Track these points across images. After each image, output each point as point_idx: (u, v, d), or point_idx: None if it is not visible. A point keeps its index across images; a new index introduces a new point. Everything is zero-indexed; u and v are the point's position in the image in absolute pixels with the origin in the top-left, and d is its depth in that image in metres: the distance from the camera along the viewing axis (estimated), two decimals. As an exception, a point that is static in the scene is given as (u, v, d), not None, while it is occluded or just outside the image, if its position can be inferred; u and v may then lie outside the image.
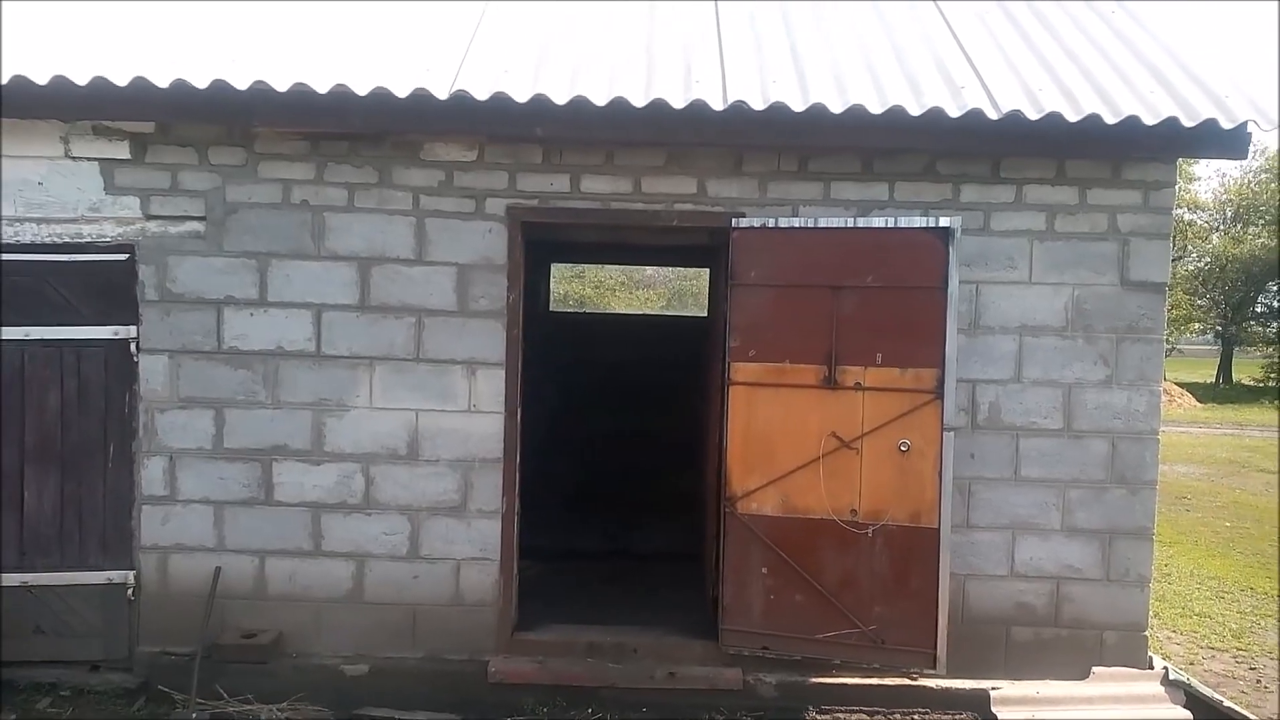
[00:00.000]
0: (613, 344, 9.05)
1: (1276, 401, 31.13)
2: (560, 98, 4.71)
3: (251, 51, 5.02)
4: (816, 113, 4.74)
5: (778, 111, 4.74)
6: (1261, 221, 39.52)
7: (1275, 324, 40.04)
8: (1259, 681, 6.21)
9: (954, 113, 4.73)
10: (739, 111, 4.74)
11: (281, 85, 4.69)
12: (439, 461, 5.25)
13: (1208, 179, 49.30)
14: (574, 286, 32.11)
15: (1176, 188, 5.25)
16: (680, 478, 7.67)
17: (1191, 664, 6.48)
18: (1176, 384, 34.42)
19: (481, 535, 5.27)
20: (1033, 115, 4.73)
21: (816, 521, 5.07)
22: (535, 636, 5.40)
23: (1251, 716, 5.16)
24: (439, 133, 5.06)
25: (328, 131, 5.03)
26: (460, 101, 4.72)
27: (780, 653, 5.18)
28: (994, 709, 5.05)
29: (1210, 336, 45.68)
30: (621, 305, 32.80)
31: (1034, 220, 5.22)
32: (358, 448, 5.23)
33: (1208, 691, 5.23)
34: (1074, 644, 5.30)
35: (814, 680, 5.20)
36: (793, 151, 5.19)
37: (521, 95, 4.70)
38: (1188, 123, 4.70)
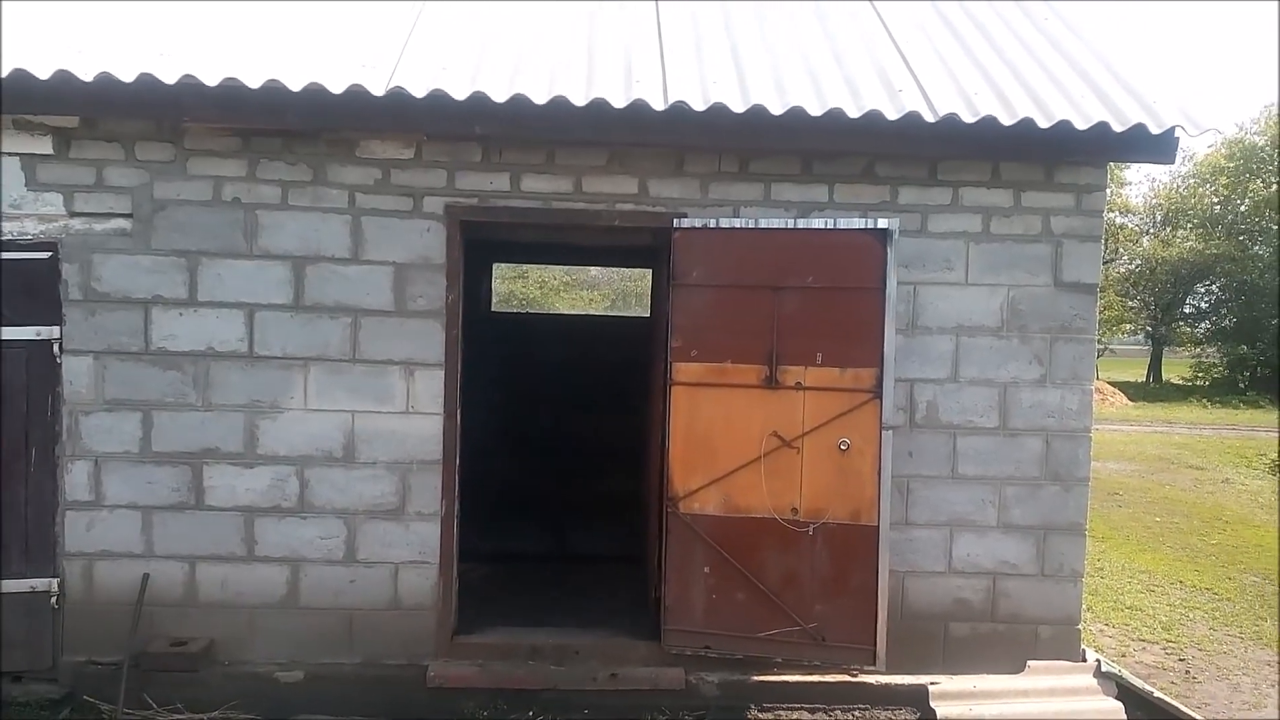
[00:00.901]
0: (555, 344, 9.01)
1: (1204, 400, 32.06)
2: (500, 96, 4.66)
3: (181, 45, 4.90)
4: (757, 114, 4.75)
5: (718, 112, 4.75)
6: (1189, 225, 40.73)
7: (1203, 324, 41.30)
8: (1188, 673, 6.38)
9: (892, 115, 4.78)
10: (680, 112, 4.74)
11: (212, 80, 4.58)
12: (376, 464, 5.16)
13: (1138, 184, 50.54)
14: (518, 286, 31.96)
15: (1108, 191, 5.36)
16: (623, 479, 7.65)
17: (1123, 656, 6.63)
18: (1109, 383, 35.31)
19: (420, 538, 5.19)
20: (968, 118, 4.80)
21: (758, 520, 5.09)
22: (476, 640, 5.34)
23: (1180, 706, 5.28)
24: (376, 130, 4.98)
25: (260, 128, 4.92)
26: (397, 98, 4.65)
27: (723, 652, 5.19)
28: (933, 704, 5.11)
29: (1141, 337, 46.91)
30: (566, 306, 32.71)
31: (970, 222, 5.30)
32: (292, 450, 5.12)
33: (1138, 683, 5.35)
34: (1010, 638, 5.39)
35: (756, 678, 5.21)
36: (734, 153, 5.20)
37: (460, 93, 4.65)
38: (1118, 127, 4.81)
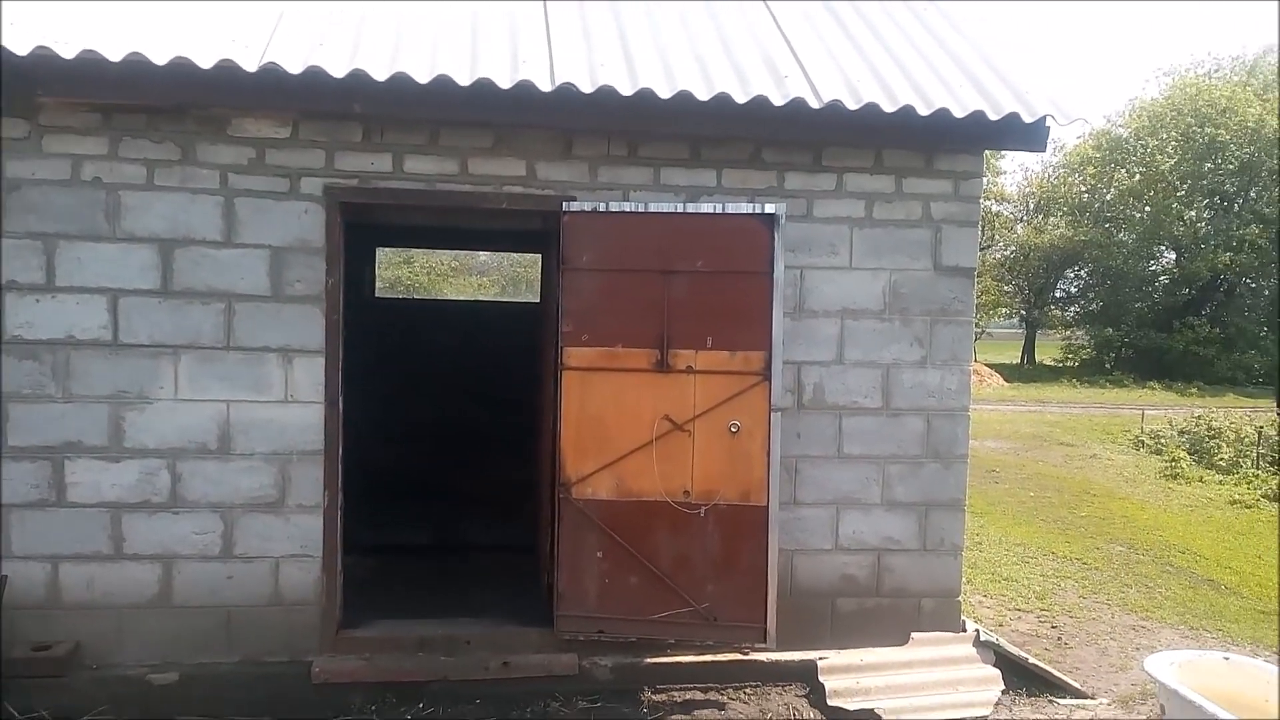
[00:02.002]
0: (441, 331, 8.84)
1: (1074, 380, 33.68)
2: (380, 74, 4.51)
3: (35, 15, 4.57)
4: (645, 97, 4.73)
5: (606, 95, 4.70)
6: (1060, 213, 42.64)
7: (1073, 308, 43.37)
8: (1060, 639, 6.68)
9: (778, 101, 4.82)
10: (567, 93, 4.68)
11: (68, 52, 4.30)
12: (254, 455, 4.96)
13: (1012, 173, 52.66)
14: (403, 272, 31.29)
15: (984, 178, 5.54)
16: (512, 466, 7.58)
17: (1001, 625, 6.91)
18: (986, 365, 36.78)
19: (302, 531, 5.02)
20: (852, 105, 4.88)
21: (650, 504, 5.10)
22: (363, 634, 5.20)
23: (1053, 670, 5.53)
24: (248, 108, 4.77)
25: (122, 104, 4.65)
26: (271, 75, 4.46)
27: (616, 635, 5.18)
28: (821, 678, 5.21)
29: (1016, 320, 49.00)
30: (454, 292, 32.20)
31: (854, 207, 5.40)
32: (163, 443, 4.88)
33: (1014, 650, 5.56)
34: (895, 612, 5.55)
35: (649, 661, 5.23)
36: (622, 136, 5.16)
37: (338, 70, 4.48)
38: (993, 116, 4.97)
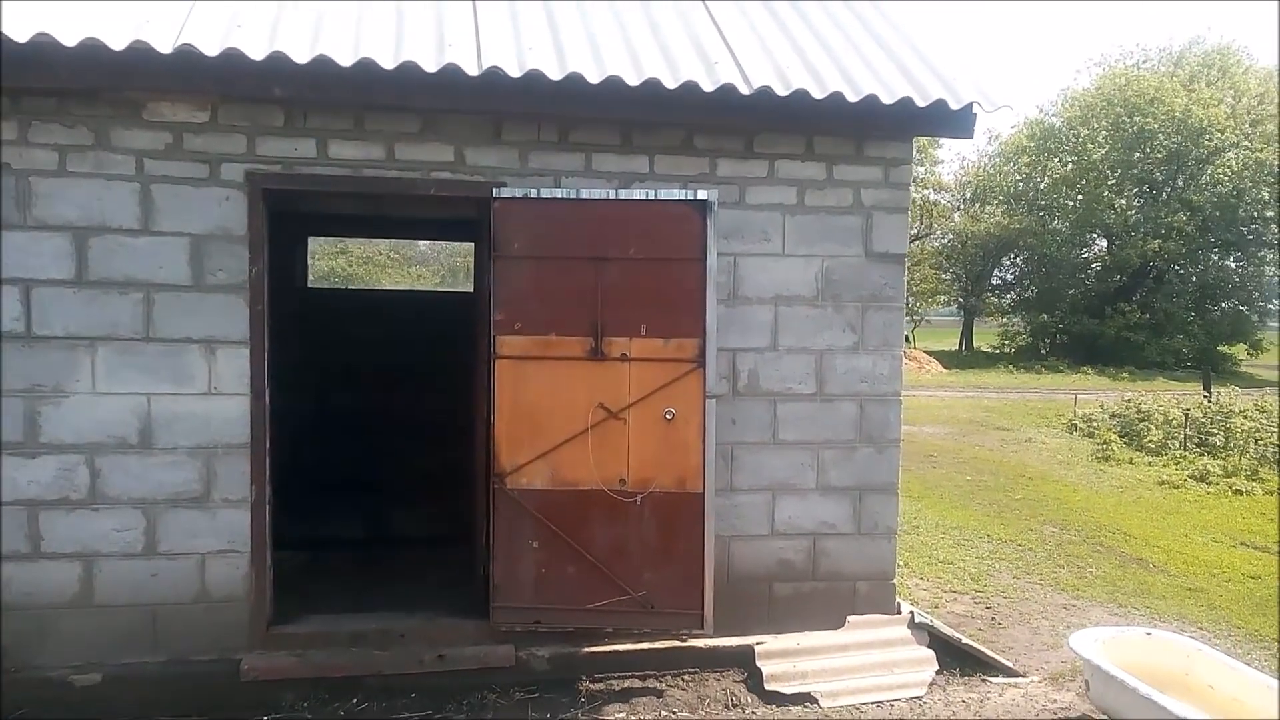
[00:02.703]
0: (374, 321, 8.68)
1: (1010, 366, 34.35)
2: (301, 56, 4.40)
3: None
4: (574, 82, 4.68)
5: (534, 79, 4.64)
6: (995, 201, 43.44)
7: (1009, 295, 44.22)
8: (994, 619, 6.80)
9: (708, 87, 4.81)
10: (494, 77, 4.61)
11: (-32, 32, 4.12)
12: (177, 449, 4.83)
13: (949, 162, 53.63)
14: (339, 263, 30.79)
15: (913, 165, 5.58)
16: (445, 457, 7.47)
17: (936, 607, 7.01)
18: (925, 352, 37.41)
19: (229, 526, 4.90)
20: (782, 91, 4.88)
21: (586, 493, 5.07)
22: (294, 629, 5.10)
23: (985, 650, 5.62)
24: (164, 91, 4.61)
25: (29, 86, 4.47)
26: (186, 56, 4.32)
27: (553, 625, 5.16)
28: (759, 663, 5.23)
29: (954, 308, 49.86)
30: (391, 282, 31.80)
31: (786, 194, 5.41)
32: (80, 437, 4.72)
33: (948, 631, 5.64)
34: (831, 595, 5.59)
35: (587, 650, 5.21)
36: (553, 122, 5.11)
37: (257, 52, 4.36)
38: (920, 103, 5.00)
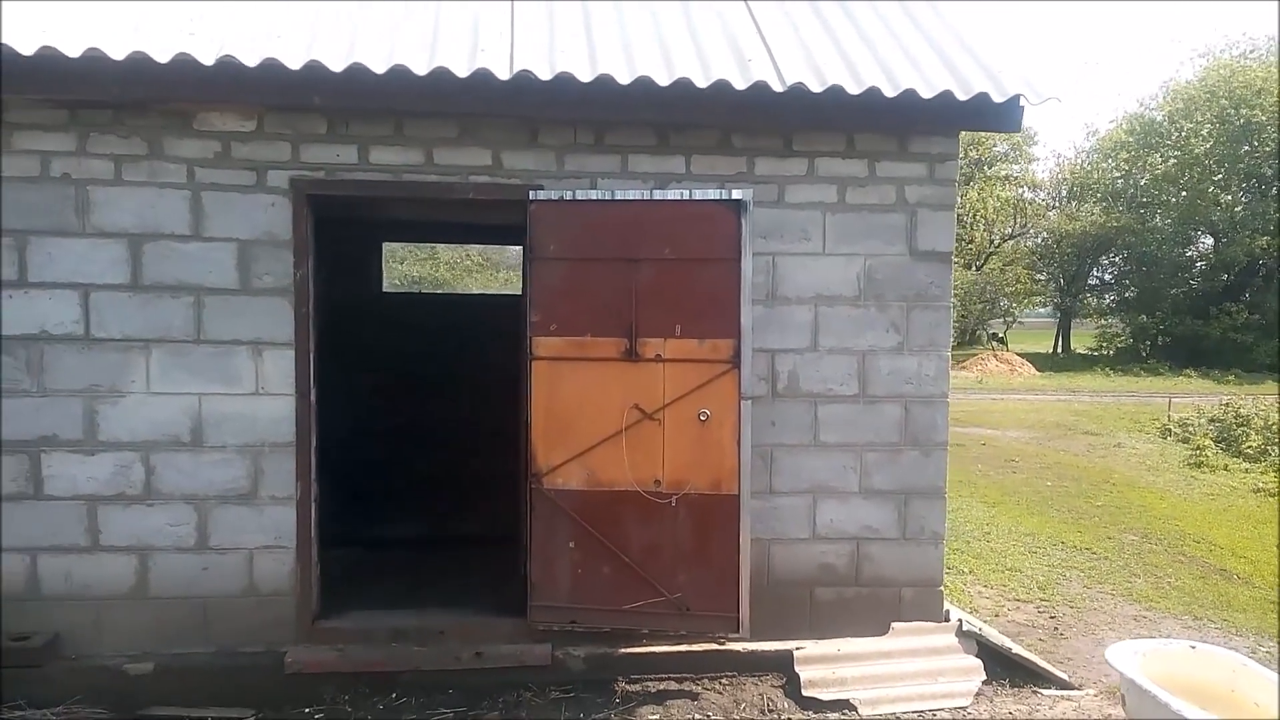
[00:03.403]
0: (446, 324, 8.83)
1: (1108, 368, 33.11)
2: (336, 65, 4.52)
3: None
4: (604, 83, 4.70)
5: (564, 82, 4.67)
6: (1093, 199, 41.94)
7: (1109, 296, 42.60)
8: (1056, 629, 6.56)
9: (740, 85, 4.76)
10: (525, 81, 4.66)
11: (27, 49, 4.35)
12: (226, 447, 5.00)
13: (1045, 159, 52.00)
14: (427, 269, 31.42)
15: (959, 160, 5.43)
16: (507, 458, 7.55)
17: (997, 615, 6.81)
18: (1018, 354, 36.34)
19: (275, 523, 5.05)
20: (816, 88, 4.81)
21: (621, 493, 5.07)
22: (337, 624, 5.23)
23: (1036, 660, 5.43)
24: (210, 101, 4.79)
25: (86, 100, 4.70)
26: (228, 68, 4.48)
27: (589, 625, 5.17)
28: (797, 668, 5.15)
29: (1050, 309, 48.28)
30: (478, 286, 32.30)
31: (826, 192, 5.32)
32: (135, 435, 4.93)
33: (997, 640, 5.46)
34: (874, 601, 5.47)
35: (623, 651, 5.21)
36: (588, 124, 5.13)
37: (294, 62, 4.50)
38: (962, 96, 4.87)
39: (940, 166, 5.37)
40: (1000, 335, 46.90)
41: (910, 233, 5.38)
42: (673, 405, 5.03)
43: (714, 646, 5.26)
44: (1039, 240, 42.88)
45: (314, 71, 4.52)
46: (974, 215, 48.27)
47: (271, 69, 4.49)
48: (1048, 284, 43.84)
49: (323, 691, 4.96)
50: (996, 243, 47.23)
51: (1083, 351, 41.96)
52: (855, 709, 4.96)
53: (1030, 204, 46.08)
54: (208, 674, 4.94)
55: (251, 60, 4.47)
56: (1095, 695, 5.26)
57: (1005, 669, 5.41)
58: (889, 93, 4.83)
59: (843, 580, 5.47)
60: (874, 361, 5.41)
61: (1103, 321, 42.25)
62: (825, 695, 5.01)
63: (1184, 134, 37.04)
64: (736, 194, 4.95)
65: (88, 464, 4.92)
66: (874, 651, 5.33)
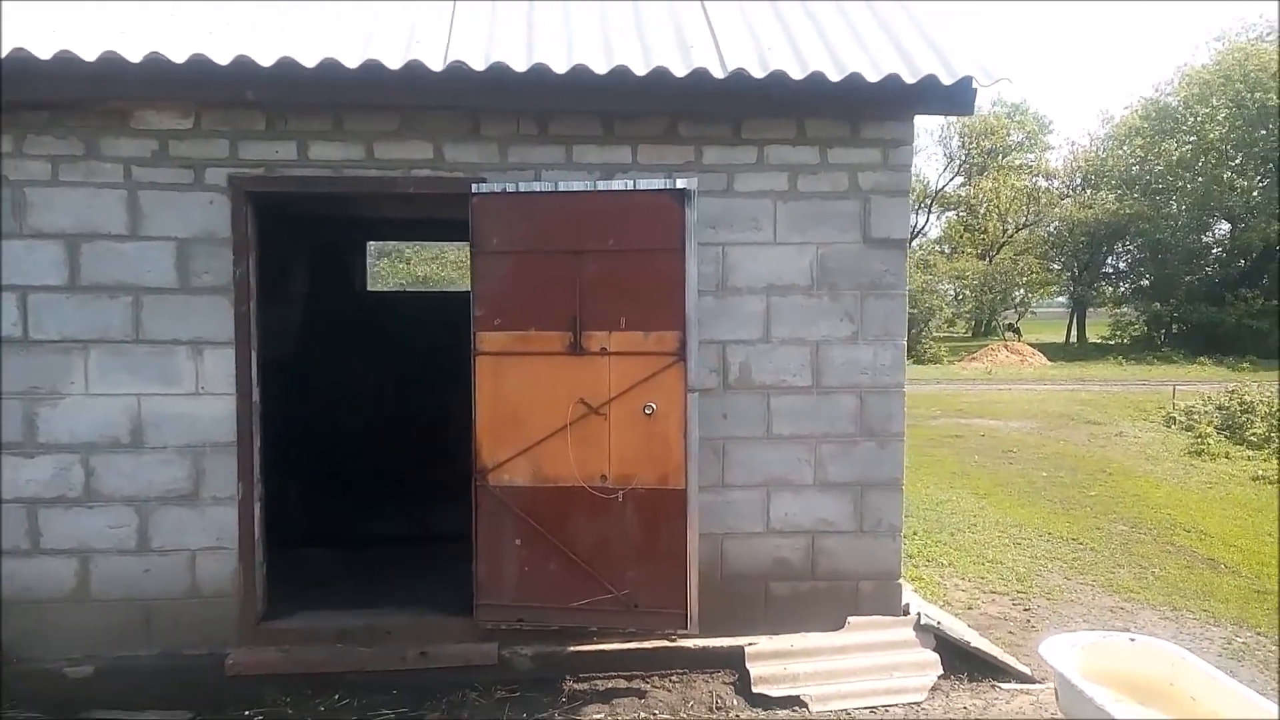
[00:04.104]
0: (428, 322, 8.77)
1: (1121, 358, 32.73)
2: (265, 59, 4.46)
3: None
4: (540, 73, 4.61)
5: (500, 72, 4.60)
6: (1107, 186, 41.47)
7: (1124, 284, 42.11)
8: (1028, 622, 6.44)
9: (680, 71, 4.67)
10: (459, 71, 4.58)
11: (-47, 51, 4.31)
12: (166, 448, 4.96)
13: (1059, 148, 51.46)
14: (434, 268, 31.39)
15: (914, 145, 5.31)
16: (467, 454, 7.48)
17: (970, 608, 6.69)
18: (1029, 344, 36.03)
19: (217, 523, 5.01)
20: (759, 74, 4.71)
21: (567, 489, 5.00)
22: (282, 625, 5.18)
23: (992, 650, 5.32)
24: (145, 100, 4.75)
25: (20, 100, 4.65)
26: (156, 65, 4.43)
27: (537, 624, 5.11)
28: (748, 664, 5.07)
29: (1065, 299, 47.80)
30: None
31: (776, 180, 5.22)
32: (75, 437, 4.90)
33: (956, 634, 5.35)
34: (831, 595, 5.38)
35: (572, 649, 5.14)
36: (531, 115, 5.05)
37: (223, 57, 4.44)
38: (909, 79, 4.76)
39: (894, 152, 5.25)
40: (1015, 326, 46.53)
41: (864, 220, 5.27)
42: (618, 399, 4.95)
43: (665, 643, 5.18)
44: (1051, 229, 42.42)
45: (244, 66, 4.46)
46: (988, 206, 47.96)
47: (200, 65, 4.43)
48: (1061, 273, 43.39)
49: (265, 693, 4.91)
50: (1010, 233, 46.85)
51: (1097, 341, 41.53)
52: (806, 705, 4.87)
53: (1044, 193, 45.68)
54: (150, 676, 4.90)
55: (179, 57, 4.41)
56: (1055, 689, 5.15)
57: (965, 663, 5.30)
58: (834, 77, 4.73)
59: (798, 574, 5.37)
60: (828, 352, 5.30)
61: (1117, 310, 41.76)
62: (775, 692, 4.92)
63: (1199, 119, 36.55)
64: (680, 183, 4.86)
65: (28, 466, 4.90)
66: (828, 647, 5.24)
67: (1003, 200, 47.02)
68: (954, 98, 4.92)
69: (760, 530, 5.34)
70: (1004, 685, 5.15)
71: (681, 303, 4.88)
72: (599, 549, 5.01)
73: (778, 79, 4.71)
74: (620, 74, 4.65)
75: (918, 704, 4.95)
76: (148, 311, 4.91)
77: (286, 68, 4.48)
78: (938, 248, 50.43)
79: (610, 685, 5.07)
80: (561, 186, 4.95)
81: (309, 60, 4.48)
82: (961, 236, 49.56)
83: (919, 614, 5.43)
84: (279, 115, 4.91)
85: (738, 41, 5.02)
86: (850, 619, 5.35)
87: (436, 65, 4.56)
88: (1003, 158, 49.74)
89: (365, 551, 6.80)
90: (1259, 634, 6.21)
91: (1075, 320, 44.80)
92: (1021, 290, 45.76)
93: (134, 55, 4.41)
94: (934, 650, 5.25)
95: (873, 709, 4.90)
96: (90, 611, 4.95)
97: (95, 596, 4.96)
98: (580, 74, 4.63)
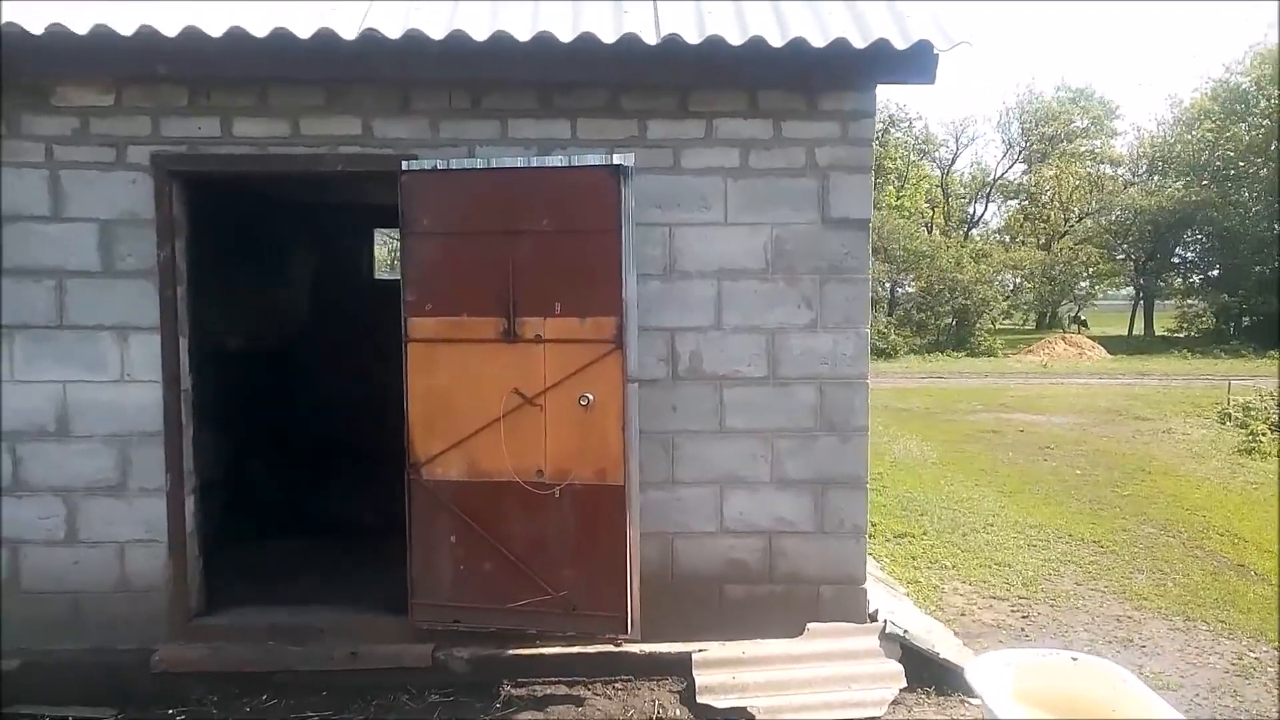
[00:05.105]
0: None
1: (1187, 351, 31.45)
2: (170, 29, 4.26)
3: None
4: (459, 40, 4.35)
5: (416, 41, 4.34)
6: (1174, 172, 39.95)
7: (1193, 276, 40.49)
8: (1022, 631, 6.03)
9: (609, 38, 4.37)
10: (373, 41, 4.34)
11: None
12: (93, 437, 4.81)
13: (1125, 133, 49.73)
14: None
15: (876, 118, 4.92)
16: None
17: (963, 614, 6.29)
18: (1089, 337, 34.84)
19: (146, 516, 4.85)
20: (693, 39, 4.38)
21: (502, 484, 4.73)
22: (214, 621, 5.01)
23: (961, 663, 4.90)
24: (64, 75, 4.59)
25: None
26: (59, 37, 4.26)
27: (473, 625, 4.85)
28: (695, 672, 4.76)
29: (1131, 290, 46.23)
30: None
31: (727, 156, 4.88)
32: (2, 425, 4.77)
33: (924, 644, 4.95)
34: (789, 600, 5.03)
35: (511, 652, 4.88)
36: (463, 87, 4.79)
37: (126, 28, 4.25)
38: (859, 43, 4.39)
39: (854, 125, 4.87)
40: (1081, 318, 45.11)
41: (822, 199, 4.90)
42: (555, 389, 4.67)
43: (610, 648, 4.89)
44: (1114, 217, 40.95)
45: (149, 38, 4.27)
46: (1051, 194, 46.56)
47: (105, 37, 4.26)
48: (1124, 263, 41.90)
49: (192, 691, 4.75)
50: (1072, 221, 45.41)
51: (1164, 334, 40.01)
52: (753, 717, 4.54)
53: (1109, 180, 44.17)
54: (78, 671, 4.76)
55: (82, 28, 4.23)
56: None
57: (933, 675, 4.92)
58: (776, 42, 4.38)
59: (755, 577, 5.04)
60: (784, 340, 4.95)
61: (1185, 302, 40.19)
62: (720, 703, 4.60)
63: (1272, 101, 34.90)
64: (617, 158, 4.55)
65: (-46, 455, 4.79)
66: (784, 655, 4.90)
67: (1065, 188, 45.58)
68: (912, 64, 4.53)
69: (713, 530, 5.02)
70: (973, 700, 4.75)
71: (619, 287, 4.58)
72: (536, 548, 4.74)
73: (715, 44, 4.38)
74: (545, 41, 4.36)
75: (875, 719, 4.59)
76: (71, 296, 4.77)
77: (194, 39, 4.28)
78: (997, 238, 49.16)
79: (549, 691, 4.80)
80: (494, 163, 4.68)
81: (216, 30, 4.27)
82: (1021, 226, 48.22)
83: (885, 621, 5.05)
84: (201, 91, 4.72)
85: (678, 6, 4.69)
86: (809, 625, 5.01)
87: (349, 34, 4.32)
88: (1066, 144, 48.21)
89: (345, 542, 6.61)
90: (1277, 648, 5.70)
91: (1143, 312, 43.25)
92: (1087, 281, 44.35)
93: (35, 27, 4.25)
94: (899, 661, 4.88)
95: (824, 723, 4.56)
96: (20, 604, 4.83)
97: (26, 588, 4.83)
98: (502, 41, 4.35)
